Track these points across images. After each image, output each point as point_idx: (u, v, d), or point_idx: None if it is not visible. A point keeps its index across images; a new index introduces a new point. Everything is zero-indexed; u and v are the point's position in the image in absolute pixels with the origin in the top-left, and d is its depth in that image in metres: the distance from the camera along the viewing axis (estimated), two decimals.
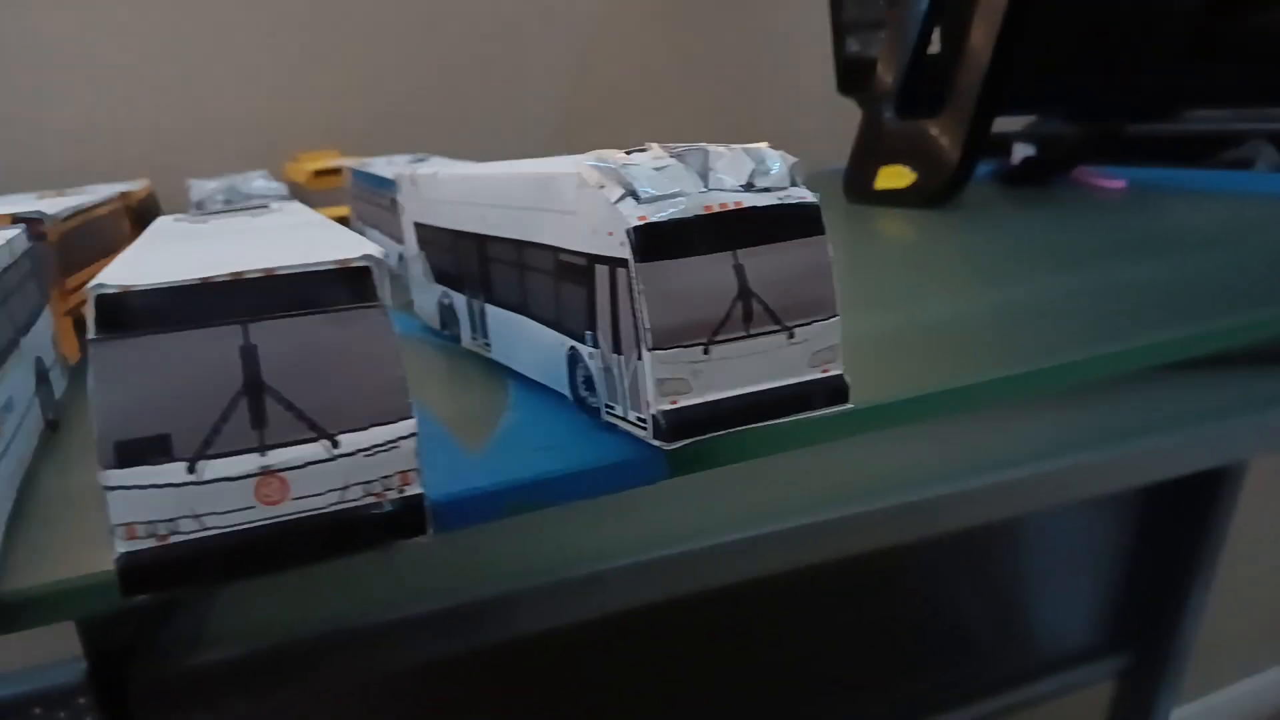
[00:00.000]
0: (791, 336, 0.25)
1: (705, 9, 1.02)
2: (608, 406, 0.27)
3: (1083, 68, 0.75)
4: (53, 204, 0.44)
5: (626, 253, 0.24)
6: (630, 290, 0.24)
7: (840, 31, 0.94)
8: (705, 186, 0.25)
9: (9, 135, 0.81)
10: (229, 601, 0.44)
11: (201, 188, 0.54)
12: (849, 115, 0.80)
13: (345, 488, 0.20)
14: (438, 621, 0.44)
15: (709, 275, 0.24)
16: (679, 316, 0.24)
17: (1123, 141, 0.73)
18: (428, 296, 0.41)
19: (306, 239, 0.23)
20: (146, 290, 0.19)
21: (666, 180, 0.25)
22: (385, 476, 0.20)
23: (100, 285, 0.19)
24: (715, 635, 0.91)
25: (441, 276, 0.39)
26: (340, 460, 0.20)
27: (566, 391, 0.29)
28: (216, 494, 0.19)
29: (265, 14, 0.88)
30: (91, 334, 0.19)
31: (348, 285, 0.20)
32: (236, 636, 0.42)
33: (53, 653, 0.43)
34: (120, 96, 0.84)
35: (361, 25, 0.91)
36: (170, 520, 0.19)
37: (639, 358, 0.24)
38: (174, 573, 0.19)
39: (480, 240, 0.34)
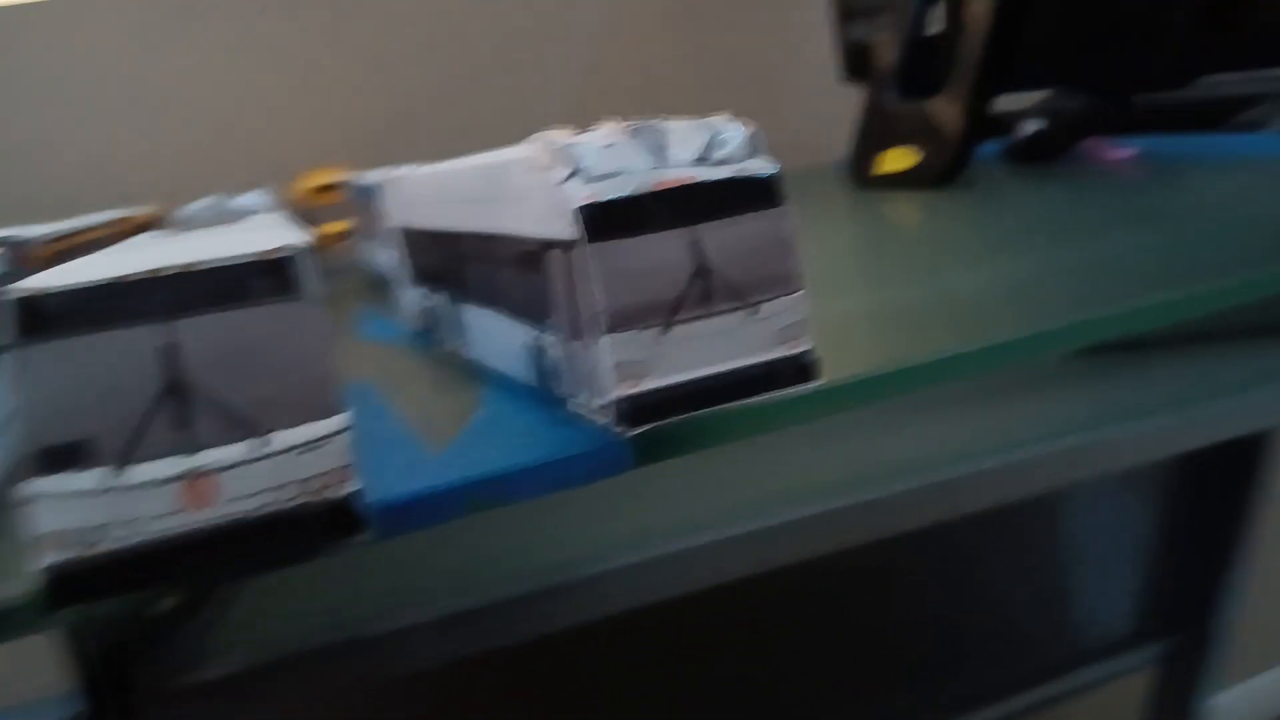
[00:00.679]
0: (755, 313, 0.24)
1: (709, 11, 1.02)
2: (572, 396, 0.26)
3: (1094, 41, 0.74)
4: (43, 229, 0.44)
5: (576, 233, 0.23)
6: (582, 272, 0.23)
7: (841, 18, 0.93)
8: (658, 162, 0.24)
9: (20, 167, 0.82)
10: (228, 611, 0.43)
11: (192, 206, 0.54)
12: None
13: (278, 487, 0.19)
14: (440, 626, 0.43)
15: (663, 253, 0.23)
16: (633, 297, 0.23)
17: (1134, 112, 0.71)
18: (411, 300, 0.41)
19: (243, 238, 0.22)
20: (62, 291, 0.18)
21: (615, 157, 0.24)
22: (320, 474, 0.20)
23: (19, 288, 0.18)
24: (734, 630, 0.90)
25: (422, 278, 0.39)
26: (271, 459, 0.19)
27: (535, 384, 0.28)
28: (144, 499, 0.19)
29: (268, 34, 0.88)
30: (11, 339, 0.18)
31: (269, 278, 0.19)
32: (237, 648, 0.41)
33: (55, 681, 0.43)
34: (129, 125, 0.85)
35: (366, 40, 0.91)
36: (98, 527, 0.18)
37: (595, 342, 0.23)
38: (104, 581, 0.19)
39: (453, 237, 0.33)
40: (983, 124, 0.64)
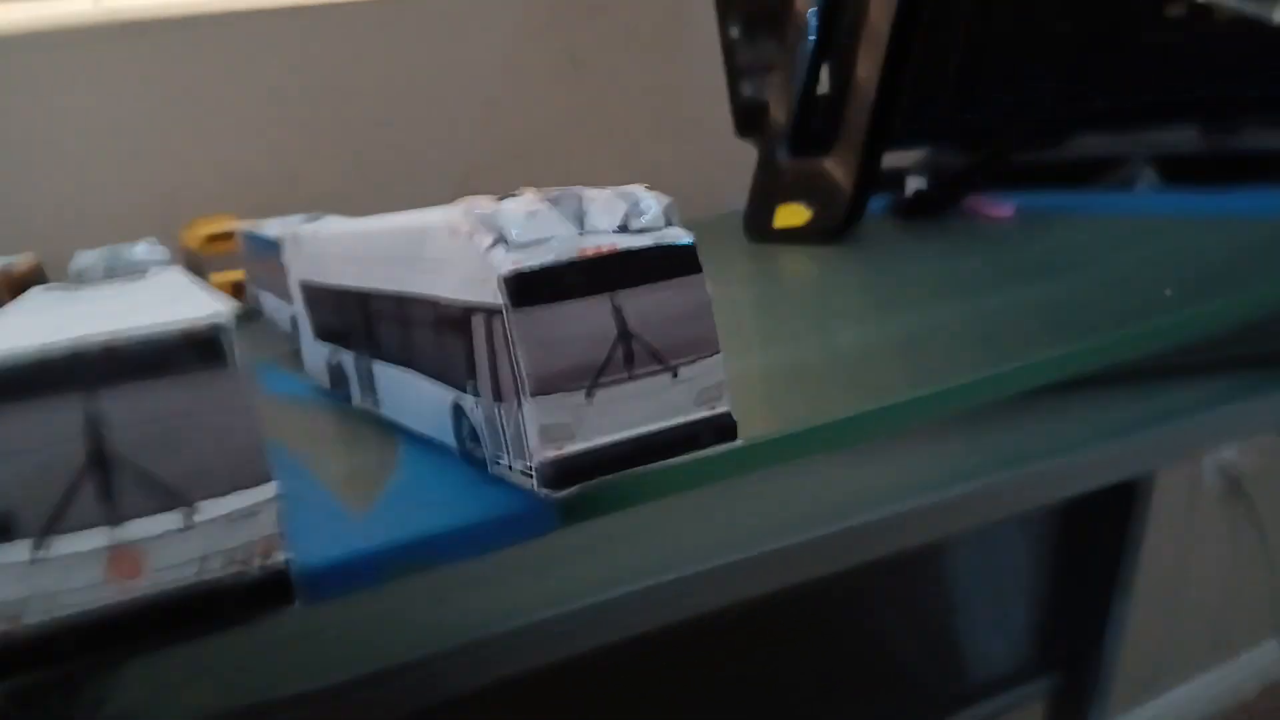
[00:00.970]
0: (675, 376, 0.25)
1: (603, 60, 1.04)
2: (494, 458, 0.26)
3: (968, 99, 0.78)
4: None
5: (500, 300, 0.23)
6: (506, 338, 0.24)
7: (734, 76, 0.96)
8: (580, 230, 0.25)
9: None
10: (160, 678, 0.42)
11: (84, 257, 0.53)
12: (751, 158, 0.81)
13: (205, 558, 0.19)
14: (393, 677, 0.42)
15: (587, 319, 0.24)
16: (558, 362, 0.24)
17: (1011, 169, 0.75)
18: (316, 356, 0.40)
19: (160, 303, 0.22)
20: None
21: (538, 226, 0.24)
22: (248, 544, 0.19)
23: None
24: (640, 681, 0.90)
25: (328, 335, 0.38)
26: (199, 529, 0.19)
27: (455, 446, 0.28)
28: (66, 572, 0.18)
29: (156, 82, 0.87)
30: None
31: (195, 348, 0.19)
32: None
33: None
34: (3, 170, 0.82)
35: (254, 87, 0.90)
36: (18, 601, 0.18)
37: (519, 406, 0.24)
38: (27, 657, 0.18)
39: (362, 296, 0.33)
40: (873, 181, 0.66)
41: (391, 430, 0.33)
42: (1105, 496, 1.03)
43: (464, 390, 0.27)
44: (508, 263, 0.23)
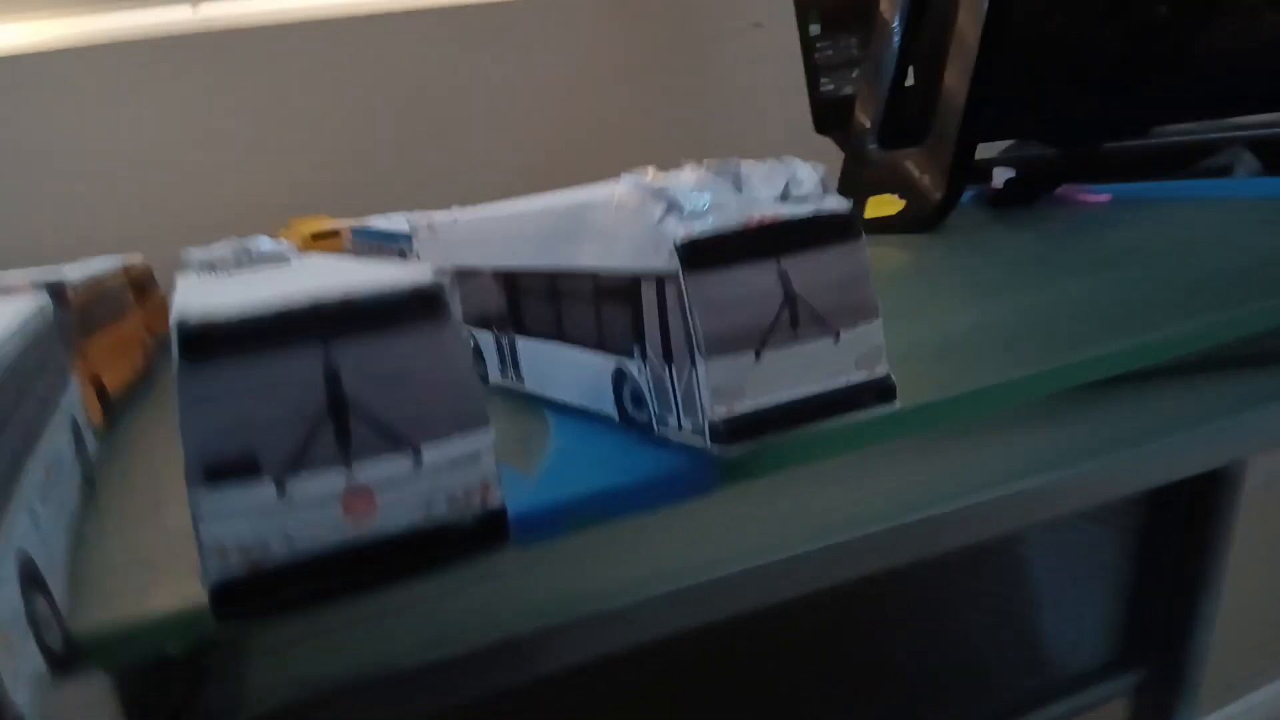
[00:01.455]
0: (837, 340, 0.26)
1: (667, 66, 1.05)
2: (661, 419, 0.27)
3: (1056, 91, 0.77)
4: (70, 273, 0.44)
5: (674, 266, 0.24)
6: (681, 302, 0.25)
7: (813, 73, 0.96)
8: (743, 200, 0.26)
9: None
10: (263, 658, 0.43)
11: (206, 252, 0.55)
12: (824, 153, 0.82)
13: (431, 499, 0.20)
14: (477, 659, 0.44)
15: (755, 284, 0.25)
16: (729, 324, 0.25)
17: (1102, 160, 0.74)
18: None
19: (368, 269, 0.23)
20: (230, 317, 0.19)
21: (705, 195, 0.25)
22: (469, 486, 0.21)
23: (183, 316, 0.19)
24: (712, 672, 0.90)
25: (464, 318, 0.40)
26: (424, 473, 0.20)
27: (613, 412, 0.30)
28: (305, 513, 0.19)
29: (244, 90, 0.89)
30: (177, 360, 0.19)
31: (420, 305, 0.20)
32: (277, 687, 0.41)
33: None
34: (105, 178, 0.85)
35: (338, 93, 0.92)
36: (261, 542, 0.19)
37: (692, 366, 0.25)
38: (266, 595, 0.19)
39: (509, 276, 0.34)
40: (966, 171, 0.66)
41: (534, 404, 0.35)
42: (1192, 487, 1.01)
43: (629, 355, 0.28)
44: (681, 231, 0.24)
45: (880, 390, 0.26)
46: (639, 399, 0.28)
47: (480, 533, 0.21)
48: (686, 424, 0.26)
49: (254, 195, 0.90)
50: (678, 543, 0.49)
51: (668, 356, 0.26)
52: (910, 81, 0.79)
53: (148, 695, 0.39)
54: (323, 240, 0.71)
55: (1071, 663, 1.10)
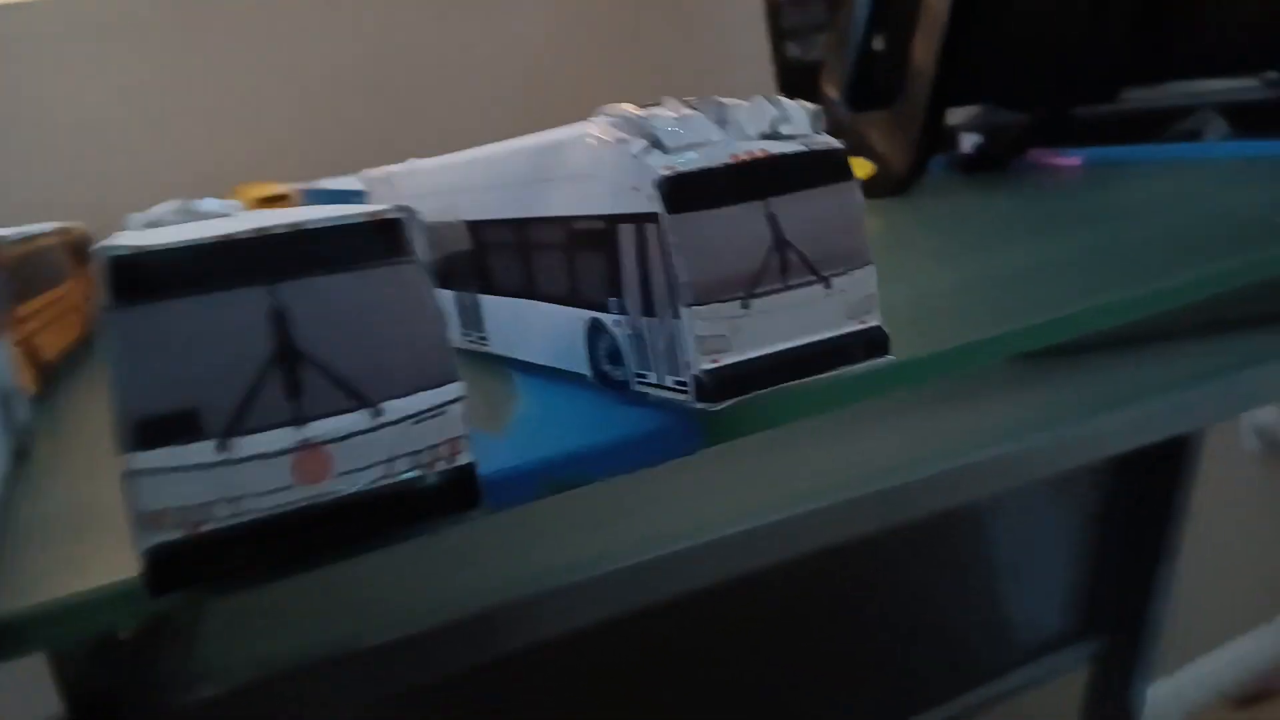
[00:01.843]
0: (829, 287, 0.24)
1: (642, 30, 1.03)
2: (638, 375, 0.25)
3: (1024, 55, 0.76)
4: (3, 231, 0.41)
5: (655, 206, 0.22)
6: (661, 246, 0.23)
7: (779, 37, 0.95)
8: (728, 136, 0.24)
9: None
10: (214, 633, 0.41)
11: (147, 215, 0.52)
12: None
13: (391, 460, 0.18)
14: (438, 635, 0.42)
15: (742, 226, 0.23)
16: (715, 270, 0.23)
17: (1071, 124, 0.74)
18: None
19: (322, 208, 0.21)
20: (163, 251, 0.17)
21: (689, 131, 0.23)
22: (433, 446, 0.19)
23: (110, 247, 0.17)
24: (678, 645, 0.89)
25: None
26: (384, 429, 0.18)
27: (585, 369, 0.28)
28: (252, 473, 0.17)
29: (190, 54, 0.86)
30: (104, 302, 0.17)
31: (380, 239, 0.18)
32: (228, 666, 0.39)
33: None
34: (40, 145, 0.81)
35: (292, 57, 0.89)
36: (202, 505, 0.17)
37: (675, 317, 0.23)
38: (209, 564, 0.17)
39: (474, 227, 0.32)
40: (937, 135, 0.65)
41: (497, 365, 0.33)
42: (1150, 456, 1.02)
43: (604, 307, 0.26)
44: (662, 166, 0.23)
45: (872, 342, 0.25)
46: (614, 355, 0.26)
47: (448, 494, 0.19)
48: (668, 379, 0.24)
49: (200, 163, 0.87)
50: (635, 514, 0.47)
51: (648, 306, 0.24)
52: (879, 47, 0.78)
53: (88, 677, 0.37)
54: (272, 204, 0.69)
55: (1033, 632, 1.10)
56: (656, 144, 0.23)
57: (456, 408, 0.19)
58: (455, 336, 0.36)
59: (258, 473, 0.17)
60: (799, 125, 0.25)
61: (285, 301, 0.17)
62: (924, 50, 0.69)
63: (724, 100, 0.25)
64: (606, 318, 0.26)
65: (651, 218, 0.23)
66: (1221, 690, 1.44)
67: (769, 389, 0.24)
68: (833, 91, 0.79)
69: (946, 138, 0.78)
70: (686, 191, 0.23)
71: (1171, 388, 0.64)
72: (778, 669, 0.98)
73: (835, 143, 0.25)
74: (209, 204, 0.52)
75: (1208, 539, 1.14)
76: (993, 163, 0.71)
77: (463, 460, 0.19)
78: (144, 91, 0.84)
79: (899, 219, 0.58)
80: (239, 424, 0.17)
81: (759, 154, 0.23)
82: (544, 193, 0.27)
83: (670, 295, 0.23)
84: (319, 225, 0.18)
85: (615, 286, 0.25)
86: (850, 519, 0.55)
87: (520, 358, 0.32)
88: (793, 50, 0.94)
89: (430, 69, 0.93)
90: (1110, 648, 1.08)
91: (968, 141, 0.79)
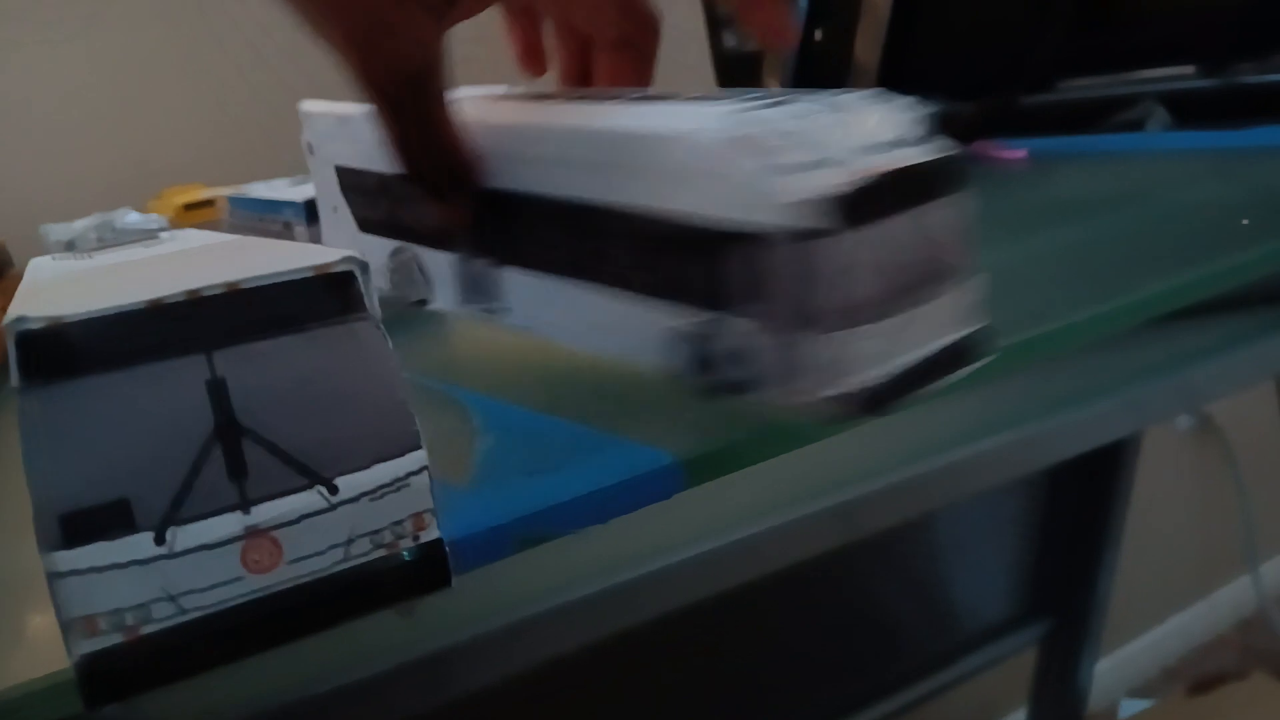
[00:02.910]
0: (953, 294, 0.24)
1: None
2: (750, 386, 0.23)
3: (965, 46, 0.76)
4: None
5: (793, 223, 0.21)
6: (799, 264, 0.21)
7: (715, 26, 0.93)
8: (850, 142, 0.22)
9: None
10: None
11: (65, 229, 0.49)
12: None
13: (349, 541, 0.16)
14: (393, 683, 0.40)
15: (884, 241, 0.22)
16: (864, 285, 0.21)
17: (1015, 115, 0.73)
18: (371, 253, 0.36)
19: (259, 252, 0.19)
20: (82, 321, 0.15)
21: (814, 143, 0.21)
22: (396, 522, 0.17)
23: (20, 319, 0.15)
24: (641, 660, 0.89)
25: (392, 228, 0.35)
26: (341, 509, 0.16)
27: (660, 365, 0.25)
28: (194, 567, 0.15)
29: (112, 51, 0.82)
30: (16, 382, 0.15)
31: (329, 296, 0.16)
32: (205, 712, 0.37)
33: None
34: None
35: (218, 53, 0.85)
36: (140, 606, 0.15)
37: (810, 333, 0.21)
38: (151, 671, 0.15)
39: (512, 198, 0.29)
40: None
41: (450, 390, 0.31)
42: (1096, 450, 1.03)
43: (711, 311, 0.23)
44: (797, 184, 0.21)
45: (982, 341, 0.24)
46: (708, 362, 0.24)
47: (415, 574, 0.17)
48: (797, 394, 0.22)
49: (122, 166, 0.83)
50: (579, 543, 0.45)
51: (774, 320, 0.22)
52: (820, 38, 0.77)
53: None
54: (196, 211, 0.65)
55: (981, 618, 1.11)
56: (781, 153, 0.21)
57: (421, 478, 0.17)
58: (447, 301, 0.33)
59: (201, 566, 0.15)
60: (909, 128, 0.23)
61: (224, 371, 0.16)
62: (866, 42, 0.68)
63: (833, 96, 0.23)
64: (711, 325, 0.24)
65: (787, 235, 0.21)
66: (1164, 664, 1.47)
67: (907, 400, 0.23)
68: (774, 83, 0.78)
69: None
70: (827, 210, 0.21)
71: (1117, 388, 0.64)
72: (728, 666, 0.97)
73: (952, 148, 0.23)
74: (130, 218, 0.49)
75: (1145, 518, 1.16)
76: None
77: (429, 536, 0.17)
78: (63, 89, 0.80)
79: None
80: (177, 513, 0.15)
81: (899, 165, 0.22)
82: (633, 182, 0.24)
83: (805, 313, 0.21)
84: (258, 283, 0.16)
85: (729, 296, 0.23)
86: (804, 537, 0.54)
87: (568, 342, 0.29)
88: (729, 40, 0.93)
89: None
90: (1057, 629, 1.10)
91: None
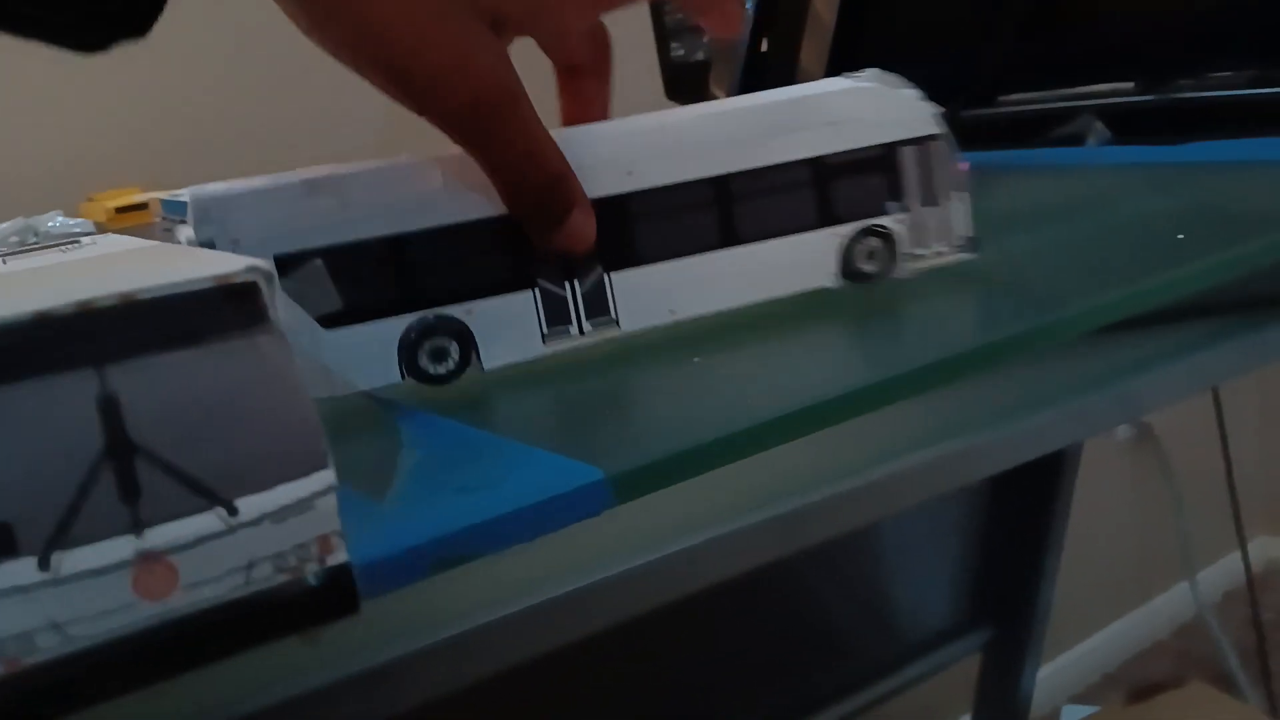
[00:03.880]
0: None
1: None
2: (912, 256, 0.35)
3: (908, 59, 0.76)
4: None
5: (939, 129, 0.35)
6: (946, 155, 0.35)
7: (663, 37, 0.93)
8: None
9: None
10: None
11: None
12: None
13: (250, 566, 0.16)
14: (325, 697, 0.39)
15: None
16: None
17: (957, 128, 0.74)
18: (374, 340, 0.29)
19: (163, 261, 0.18)
20: None
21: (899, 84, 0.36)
22: (300, 545, 0.16)
23: None
24: (585, 668, 0.88)
25: (406, 300, 0.29)
26: (241, 531, 0.16)
27: (832, 281, 0.34)
28: (82, 593, 0.15)
29: (42, 54, 0.79)
30: None
31: (230, 307, 0.16)
32: None
33: None
34: None
35: (156, 47, 0.83)
36: (22, 635, 0.14)
37: (950, 200, 0.35)
38: (33, 704, 0.14)
39: (614, 200, 0.30)
40: None
41: (378, 407, 0.30)
42: (1036, 460, 1.04)
43: (876, 214, 0.34)
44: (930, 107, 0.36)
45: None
46: (874, 254, 0.34)
47: (320, 600, 0.16)
48: (943, 247, 0.35)
49: (55, 166, 0.80)
50: (519, 552, 0.45)
51: (930, 200, 0.34)
52: (766, 48, 0.77)
53: None
54: (128, 215, 0.64)
55: (923, 626, 1.12)
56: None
57: (328, 500, 0.16)
58: (514, 353, 0.31)
59: (89, 592, 0.15)
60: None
61: (116, 387, 0.15)
62: (812, 52, 0.68)
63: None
64: (879, 222, 0.34)
65: (934, 138, 0.35)
66: (1105, 670, 1.49)
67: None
68: (720, 93, 0.78)
69: None
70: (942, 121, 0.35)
71: (1057, 399, 0.65)
72: (668, 675, 0.97)
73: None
74: (56, 222, 0.47)
75: (1085, 527, 1.18)
76: None
77: (336, 560, 0.16)
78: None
79: None
80: (63, 536, 0.15)
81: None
82: (791, 140, 0.32)
83: (951, 185, 0.35)
84: (153, 295, 0.15)
85: (897, 193, 0.34)
86: (744, 548, 0.54)
87: (701, 311, 0.32)
88: (678, 50, 0.92)
89: (303, 66, 0.88)
90: (999, 637, 1.11)
91: None
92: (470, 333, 0.30)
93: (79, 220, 0.46)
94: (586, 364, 0.31)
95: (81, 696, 0.15)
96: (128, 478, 0.15)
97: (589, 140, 0.31)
